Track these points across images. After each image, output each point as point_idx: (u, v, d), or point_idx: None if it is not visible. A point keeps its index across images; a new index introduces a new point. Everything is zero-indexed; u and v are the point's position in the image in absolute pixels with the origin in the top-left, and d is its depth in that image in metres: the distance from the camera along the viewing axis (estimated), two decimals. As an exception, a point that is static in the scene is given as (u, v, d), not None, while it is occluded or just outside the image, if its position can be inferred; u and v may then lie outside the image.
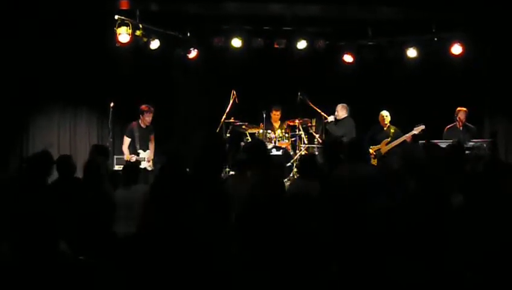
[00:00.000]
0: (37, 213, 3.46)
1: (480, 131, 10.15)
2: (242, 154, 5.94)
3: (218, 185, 4.94)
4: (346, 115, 10.44)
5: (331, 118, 10.42)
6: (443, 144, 9.25)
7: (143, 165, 9.26)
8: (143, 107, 9.45)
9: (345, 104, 10.49)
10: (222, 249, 3.83)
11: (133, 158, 9.22)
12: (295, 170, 9.67)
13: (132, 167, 6.64)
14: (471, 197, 4.20)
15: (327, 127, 10.52)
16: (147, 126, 9.53)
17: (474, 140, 9.24)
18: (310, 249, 4.03)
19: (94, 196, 5.26)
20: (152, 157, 9.58)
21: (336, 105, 10.60)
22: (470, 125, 9.76)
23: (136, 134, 9.44)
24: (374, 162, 9.96)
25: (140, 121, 9.48)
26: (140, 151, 9.44)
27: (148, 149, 9.55)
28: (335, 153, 5.99)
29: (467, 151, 7.79)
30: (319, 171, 6.37)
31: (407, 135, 9.99)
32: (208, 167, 5.06)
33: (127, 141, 9.49)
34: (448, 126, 9.84)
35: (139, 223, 4.71)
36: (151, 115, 9.46)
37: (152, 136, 9.67)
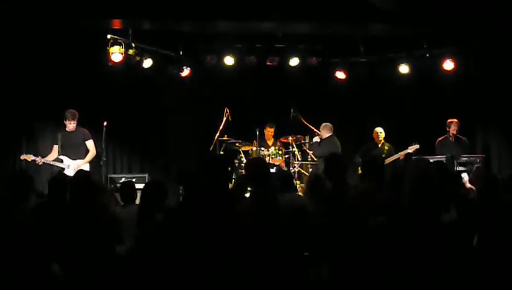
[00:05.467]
0: (30, 234, 3.44)
1: (472, 144, 10.17)
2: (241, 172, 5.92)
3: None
4: (329, 134, 10.36)
5: (316, 139, 10.37)
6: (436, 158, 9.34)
7: (66, 172, 8.85)
8: (69, 111, 9.14)
9: (327, 124, 10.42)
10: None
11: (39, 160, 8.95)
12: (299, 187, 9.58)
13: (130, 186, 6.58)
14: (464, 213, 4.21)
15: (310, 148, 10.51)
16: (72, 131, 9.17)
17: (466, 155, 9.27)
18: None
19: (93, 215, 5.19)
20: (82, 165, 9.15)
21: (329, 121, 10.64)
22: (461, 137, 9.79)
23: (60, 138, 9.12)
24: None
25: (66, 126, 9.20)
26: (63, 157, 9.10)
27: (79, 157, 9.18)
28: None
29: (459, 167, 7.82)
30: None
31: (401, 153, 9.99)
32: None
33: (53, 148, 9.20)
34: (440, 139, 9.85)
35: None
36: (72, 121, 9.09)
37: (89, 143, 9.31)
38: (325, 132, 10.38)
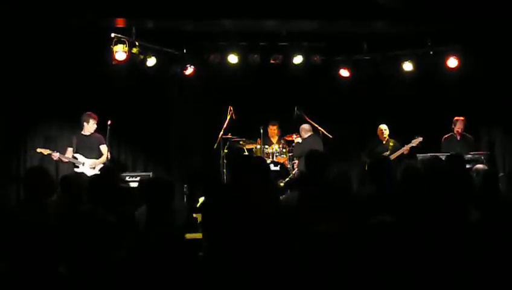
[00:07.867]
0: (38, 233, 3.43)
1: (476, 141, 10.15)
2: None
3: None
4: (309, 134, 10.45)
5: (298, 140, 10.46)
6: (442, 155, 9.32)
7: (81, 169, 9.06)
8: (88, 114, 9.32)
9: (305, 126, 10.50)
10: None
11: (55, 154, 9.00)
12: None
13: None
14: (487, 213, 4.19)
15: (293, 149, 10.56)
16: (88, 135, 9.31)
17: (471, 152, 9.25)
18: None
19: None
20: (97, 165, 9.23)
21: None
22: (467, 135, 9.78)
23: (75, 141, 9.24)
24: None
25: (83, 129, 9.33)
26: (77, 155, 9.19)
27: (94, 158, 9.27)
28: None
29: (467, 165, 7.80)
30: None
31: (405, 147, 10.00)
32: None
33: (68, 150, 9.27)
34: (446, 136, 9.85)
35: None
36: (95, 121, 9.29)
37: (103, 147, 9.41)
38: (303, 132, 10.46)
